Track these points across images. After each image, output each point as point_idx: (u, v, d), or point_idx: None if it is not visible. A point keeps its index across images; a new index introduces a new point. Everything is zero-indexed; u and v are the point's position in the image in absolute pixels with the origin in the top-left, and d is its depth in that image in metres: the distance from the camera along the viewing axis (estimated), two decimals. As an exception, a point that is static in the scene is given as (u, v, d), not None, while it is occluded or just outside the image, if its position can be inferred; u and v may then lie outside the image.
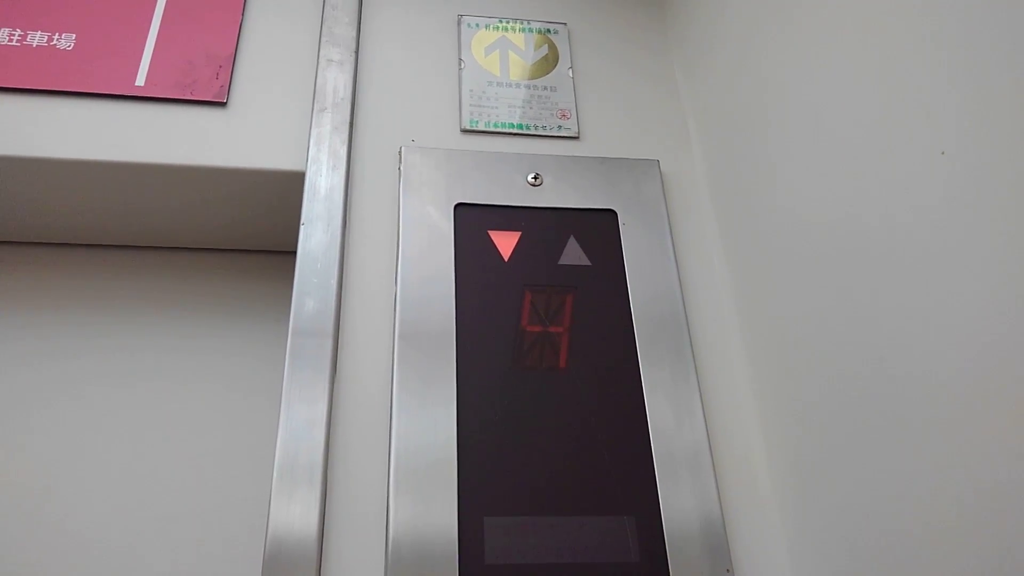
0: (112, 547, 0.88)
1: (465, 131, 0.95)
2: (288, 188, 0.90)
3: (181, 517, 0.90)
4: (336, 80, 0.94)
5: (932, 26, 0.58)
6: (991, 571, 0.51)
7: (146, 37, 0.95)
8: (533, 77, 1.00)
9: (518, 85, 0.99)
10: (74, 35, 0.93)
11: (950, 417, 0.54)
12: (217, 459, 0.94)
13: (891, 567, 0.60)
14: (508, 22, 1.04)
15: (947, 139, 0.55)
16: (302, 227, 0.83)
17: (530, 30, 1.04)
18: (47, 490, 0.90)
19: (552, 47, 1.03)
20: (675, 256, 0.88)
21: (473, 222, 0.86)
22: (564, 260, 0.86)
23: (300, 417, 0.73)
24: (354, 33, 0.98)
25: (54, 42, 0.92)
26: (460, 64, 1.00)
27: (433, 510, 0.70)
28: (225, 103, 0.92)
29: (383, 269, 0.84)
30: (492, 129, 0.95)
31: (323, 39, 0.96)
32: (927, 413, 0.57)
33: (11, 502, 0.89)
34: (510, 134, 0.95)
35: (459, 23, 1.03)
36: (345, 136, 0.90)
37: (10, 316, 0.99)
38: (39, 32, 0.93)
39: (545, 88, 0.99)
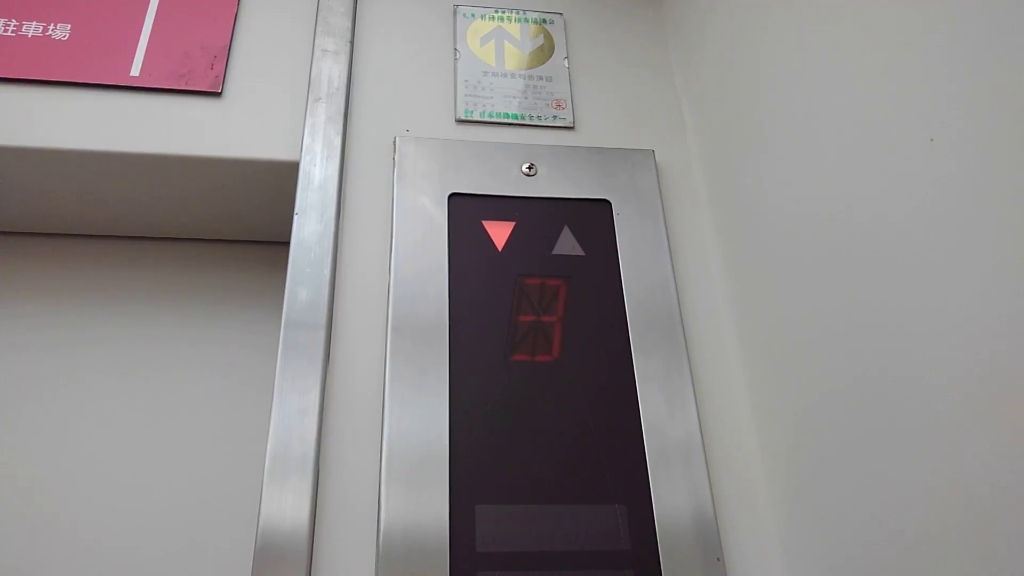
0: (104, 536, 0.88)
1: (460, 121, 0.95)
2: (282, 178, 0.90)
3: (173, 506, 0.90)
4: (331, 70, 0.94)
5: (923, 16, 0.57)
6: (986, 570, 0.51)
7: (141, 27, 0.95)
8: (529, 67, 1.00)
9: (513, 75, 0.99)
10: (69, 25, 0.93)
11: (942, 409, 0.54)
12: (210, 449, 0.94)
13: (881, 557, 0.60)
14: (504, 12, 1.04)
15: (936, 126, 0.55)
16: (296, 217, 0.83)
17: (526, 20, 1.04)
18: (40, 479, 0.90)
19: (548, 37, 1.03)
20: (669, 247, 0.88)
21: (467, 212, 0.86)
22: (558, 250, 0.86)
23: (293, 406, 0.73)
24: (349, 23, 0.98)
25: (49, 32, 0.92)
26: (455, 54, 0.99)
27: (425, 499, 0.71)
28: (220, 93, 0.92)
29: (377, 259, 0.84)
30: (487, 119, 0.95)
31: (318, 29, 0.96)
32: (918, 405, 0.56)
33: (3, 492, 0.89)
34: (505, 124, 0.95)
35: (455, 13, 1.03)
36: (339, 126, 0.90)
37: (3, 307, 0.99)
38: (34, 22, 0.93)
39: (540, 78, 0.99)
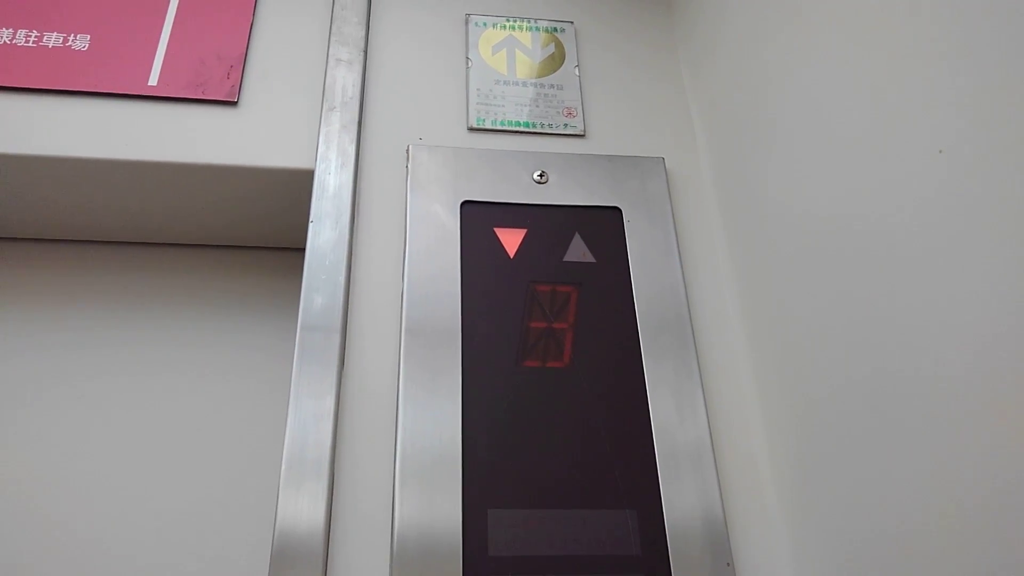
0: (120, 540, 0.89)
1: (472, 129, 0.96)
2: (297, 186, 0.92)
3: (189, 510, 0.91)
4: (345, 79, 0.95)
5: (933, 26, 0.58)
6: (992, 569, 0.51)
7: (159, 38, 0.96)
8: (540, 75, 1.01)
9: (525, 83, 1.00)
10: (89, 36, 0.95)
11: (951, 413, 0.55)
12: (225, 453, 0.95)
13: (891, 564, 0.61)
14: (515, 21, 1.05)
15: (945, 137, 0.55)
16: (311, 224, 0.84)
17: (537, 29, 1.05)
18: (56, 484, 0.91)
19: (559, 45, 1.04)
20: (679, 253, 0.88)
21: (479, 219, 0.87)
22: (569, 257, 0.87)
23: (308, 411, 0.74)
24: (363, 32, 0.99)
25: (69, 43, 0.94)
26: (467, 63, 1.01)
27: (438, 503, 0.72)
28: (236, 102, 0.93)
29: (390, 266, 0.85)
30: (499, 127, 0.96)
31: (332, 38, 0.98)
32: (928, 409, 0.57)
33: (20, 498, 0.90)
34: (516, 132, 0.96)
35: (467, 22, 1.04)
36: (354, 134, 0.91)
37: (24, 312, 1.01)
38: (55, 33, 0.94)
39: (551, 86, 1.00)
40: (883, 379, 0.62)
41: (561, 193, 0.91)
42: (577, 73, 1.02)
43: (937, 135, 0.56)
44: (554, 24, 1.06)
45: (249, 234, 1.05)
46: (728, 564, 0.72)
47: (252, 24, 0.99)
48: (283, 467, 0.71)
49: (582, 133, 0.97)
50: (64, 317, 1.01)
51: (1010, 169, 0.50)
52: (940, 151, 0.56)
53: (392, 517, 0.71)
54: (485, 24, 1.04)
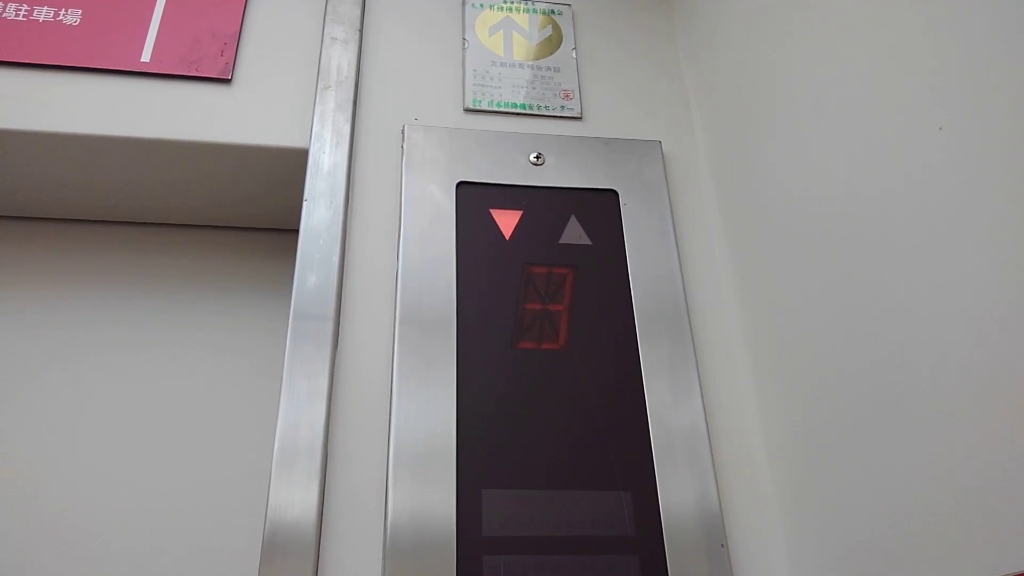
0: (111, 524, 0.88)
1: (468, 110, 0.95)
2: (291, 165, 0.91)
3: (180, 495, 0.90)
4: (340, 58, 0.94)
5: (931, 6, 0.58)
6: (988, 557, 0.51)
7: (152, 13, 0.95)
8: (537, 57, 1.00)
9: (521, 65, 0.99)
10: (80, 11, 0.93)
11: (946, 397, 0.55)
12: (218, 434, 0.94)
13: (884, 544, 0.61)
14: (513, 2, 1.04)
15: (944, 114, 0.55)
16: (305, 203, 0.83)
17: (534, 11, 1.04)
18: (47, 463, 0.91)
19: (556, 28, 1.03)
20: (675, 237, 0.88)
21: (475, 200, 0.87)
22: (565, 239, 0.86)
23: (302, 392, 0.74)
24: (358, 12, 0.98)
25: (60, 17, 0.93)
26: (464, 44, 1.00)
27: (432, 484, 0.71)
28: (230, 80, 0.92)
29: (385, 246, 0.84)
30: (495, 108, 0.95)
31: (327, 17, 0.97)
32: (921, 395, 0.57)
33: (5, 479, 0.89)
34: (513, 114, 0.96)
35: (463, 3, 1.03)
36: (348, 114, 0.90)
37: (13, 291, 1.00)
38: (45, 7, 0.93)
39: (548, 68, 0.99)
40: (879, 363, 0.62)
41: (557, 175, 0.90)
42: (574, 56, 1.01)
43: (936, 113, 0.56)
44: (551, 6, 1.05)
45: (243, 214, 1.04)
46: (722, 545, 0.72)
47: (247, 2, 0.98)
48: (276, 447, 0.71)
49: (579, 116, 0.97)
50: (49, 297, 1.00)
51: (1009, 147, 0.50)
52: (940, 128, 0.55)
53: (386, 497, 0.70)
54: (482, 5, 1.03)
